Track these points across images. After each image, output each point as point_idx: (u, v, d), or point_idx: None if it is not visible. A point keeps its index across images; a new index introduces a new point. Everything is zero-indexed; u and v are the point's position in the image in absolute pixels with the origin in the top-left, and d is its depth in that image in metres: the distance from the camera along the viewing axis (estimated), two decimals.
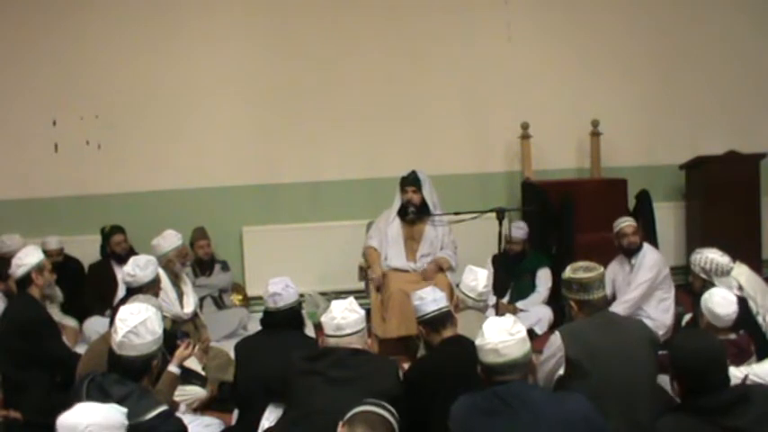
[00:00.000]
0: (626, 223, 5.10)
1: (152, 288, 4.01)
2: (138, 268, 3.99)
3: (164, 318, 3.23)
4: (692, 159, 6.34)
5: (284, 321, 3.59)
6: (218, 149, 6.27)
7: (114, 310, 3.58)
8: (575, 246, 5.39)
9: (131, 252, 5.38)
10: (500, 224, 4.56)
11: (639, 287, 4.97)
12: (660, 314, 5.00)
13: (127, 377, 2.73)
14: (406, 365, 3.79)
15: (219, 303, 5.69)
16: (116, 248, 5.58)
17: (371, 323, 4.92)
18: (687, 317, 4.50)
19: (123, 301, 3.74)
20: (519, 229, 5.59)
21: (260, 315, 3.78)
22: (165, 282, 4.58)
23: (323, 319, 3.14)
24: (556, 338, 3.04)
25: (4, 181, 6.06)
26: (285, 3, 6.28)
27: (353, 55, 6.33)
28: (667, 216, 6.50)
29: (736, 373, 3.29)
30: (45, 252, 4.33)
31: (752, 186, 6.24)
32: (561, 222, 5.63)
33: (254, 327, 4.54)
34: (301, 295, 4.30)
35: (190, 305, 4.83)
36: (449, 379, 2.97)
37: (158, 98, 6.18)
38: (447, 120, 6.45)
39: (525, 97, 6.41)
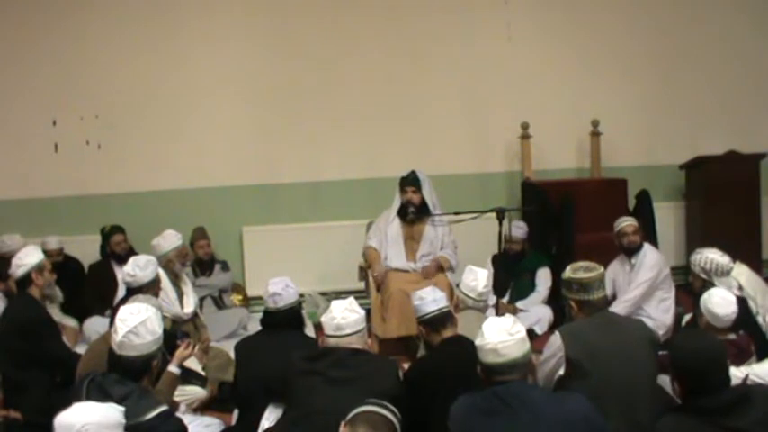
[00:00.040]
0: (627, 223, 5.11)
1: (152, 288, 4.01)
2: (138, 268, 3.99)
3: (164, 318, 3.23)
4: (692, 159, 6.34)
5: (284, 321, 3.59)
6: (218, 149, 6.27)
7: (114, 310, 3.58)
8: (575, 246, 5.39)
9: (131, 252, 5.38)
10: (500, 224, 4.56)
11: (640, 286, 4.97)
12: (660, 314, 4.99)
13: (127, 377, 2.73)
14: (406, 365, 3.79)
15: (219, 303, 5.69)
16: (116, 248, 5.58)
17: (371, 323, 4.91)
18: (687, 317, 4.50)
19: (123, 301, 3.74)
20: (519, 229, 5.59)
21: (260, 315, 3.78)
22: (165, 282, 4.58)
23: (323, 319, 3.14)
24: (556, 338, 3.04)
25: (4, 181, 6.06)
26: (285, 3, 6.28)
27: (353, 55, 6.33)
28: (667, 216, 6.50)
29: (737, 374, 3.29)
30: (45, 252, 4.33)
31: (752, 186, 6.24)
32: (561, 222, 5.63)
33: (254, 327, 4.54)
34: (301, 295, 4.30)
35: (190, 305, 4.83)
36: (449, 379, 2.97)
37: (158, 98, 6.18)
38: (447, 120, 6.45)
39: (525, 97, 6.41)
